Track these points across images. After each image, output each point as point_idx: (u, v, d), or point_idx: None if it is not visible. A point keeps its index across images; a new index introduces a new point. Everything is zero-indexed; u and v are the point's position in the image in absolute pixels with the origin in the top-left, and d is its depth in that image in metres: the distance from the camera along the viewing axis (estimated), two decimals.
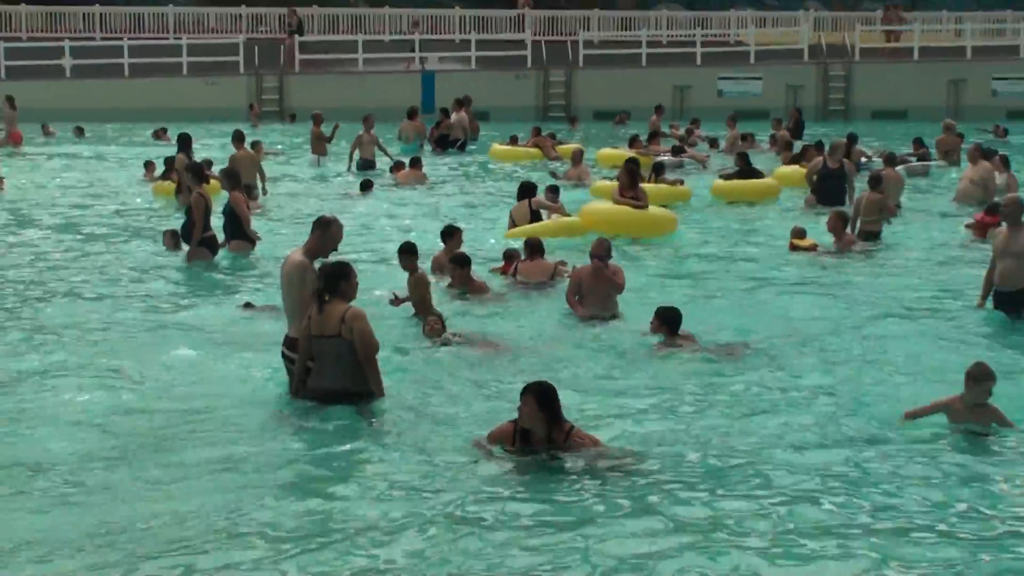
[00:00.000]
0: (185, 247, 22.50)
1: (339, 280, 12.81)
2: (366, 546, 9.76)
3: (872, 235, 24.32)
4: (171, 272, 21.49)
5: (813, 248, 23.14)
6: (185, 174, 23.90)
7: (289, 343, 13.43)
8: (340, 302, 12.80)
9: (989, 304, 18.00)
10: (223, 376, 14.67)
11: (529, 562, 9.44)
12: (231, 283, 20.61)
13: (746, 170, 31.04)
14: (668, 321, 15.87)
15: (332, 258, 13.66)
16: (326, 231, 13.47)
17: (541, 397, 11.45)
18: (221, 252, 22.40)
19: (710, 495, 10.80)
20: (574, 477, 11.16)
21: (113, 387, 14.10)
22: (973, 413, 12.46)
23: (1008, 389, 14.06)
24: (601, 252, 17.59)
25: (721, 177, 31.77)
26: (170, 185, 29.78)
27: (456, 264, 18.98)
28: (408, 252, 17.55)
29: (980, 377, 12.44)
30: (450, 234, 20.50)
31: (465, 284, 18.89)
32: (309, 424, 12.69)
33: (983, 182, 28.81)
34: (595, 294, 17.54)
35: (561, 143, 41.37)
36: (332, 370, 12.86)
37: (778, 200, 30.11)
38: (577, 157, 34.36)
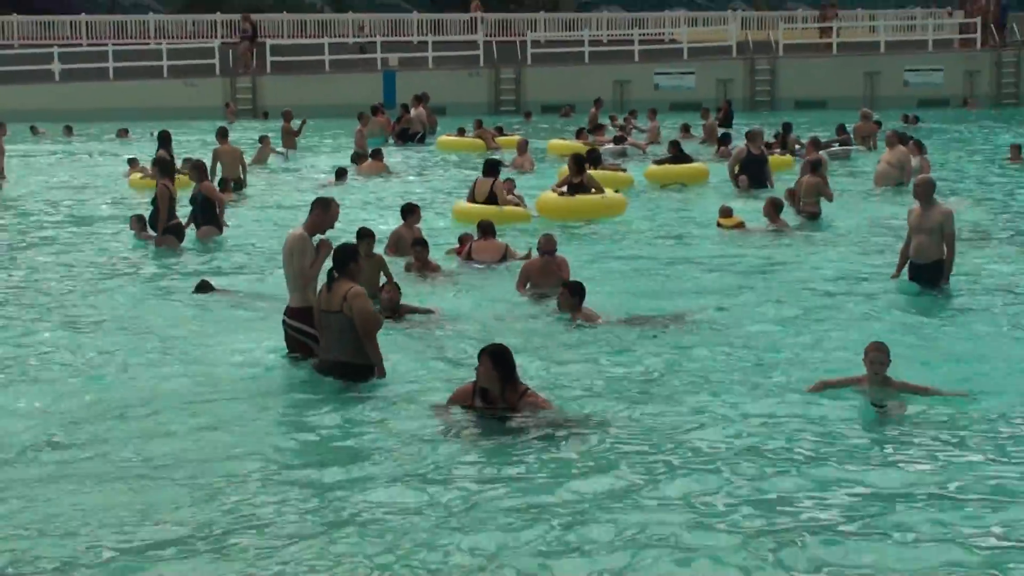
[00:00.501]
0: (152, 233, 22.35)
1: (348, 261, 13.06)
2: (331, 502, 9.67)
3: (812, 216, 24.28)
4: (142, 258, 21.34)
5: (739, 226, 23.05)
6: (152, 168, 23.72)
7: (289, 312, 13.72)
8: (346, 281, 12.96)
9: (905, 276, 17.97)
10: (199, 357, 14.47)
11: (485, 518, 9.34)
12: (199, 267, 20.39)
13: (678, 156, 30.95)
14: (576, 292, 15.67)
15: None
16: (326, 211, 13.74)
17: (495, 357, 11.49)
18: (189, 238, 22.40)
19: (642, 456, 10.70)
20: (527, 437, 11.07)
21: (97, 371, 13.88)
22: (879, 388, 12.11)
23: (922, 353, 14.09)
24: (550, 248, 17.60)
25: (654, 163, 31.66)
26: (146, 180, 29.53)
27: (419, 246, 18.86)
28: (367, 236, 17.30)
29: (874, 356, 12.08)
30: (410, 211, 20.50)
31: (424, 266, 18.73)
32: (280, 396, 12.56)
33: (900, 164, 28.79)
34: (543, 286, 17.42)
35: (503, 135, 41.10)
36: (336, 344, 13.00)
37: (707, 183, 30.08)
38: (522, 147, 34.16)
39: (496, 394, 11.49)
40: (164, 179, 22.20)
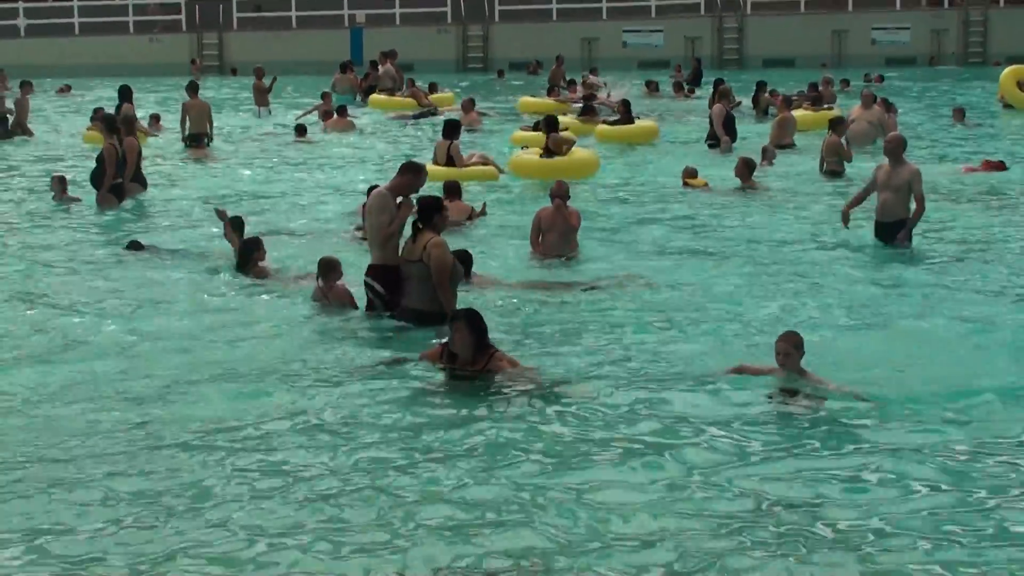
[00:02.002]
0: (74, 196, 21.99)
1: (433, 212, 13.39)
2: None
3: (835, 174, 24.24)
4: (87, 218, 21.06)
5: (704, 186, 23.05)
6: (95, 124, 23.37)
7: (369, 269, 13.94)
8: (429, 232, 13.31)
9: (869, 235, 18.03)
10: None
11: (451, 475, 9.32)
12: (140, 226, 20.21)
13: (627, 117, 30.90)
14: (462, 261, 15.22)
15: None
16: (417, 176, 13.97)
17: (472, 322, 11.47)
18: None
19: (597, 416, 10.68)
20: (495, 396, 11.07)
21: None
22: (792, 380, 11.12)
23: (891, 308, 14.13)
24: (561, 192, 17.23)
25: (604, 123, 31.58)
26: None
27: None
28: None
29: (779, 347, 11.10)
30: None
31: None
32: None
33: (878, 122, 28.84)
34: (554, 231, 17.16)
35: (436, 92, 41.03)
36: (415, 292, 13.37)
37: (657, 142, 30.11)
38: (467, 105, 33.92)
39: (466, 358, 11.48)
40: (111, 137, 21.84)
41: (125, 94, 28.72)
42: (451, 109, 37.08)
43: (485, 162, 24.82)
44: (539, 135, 25.82)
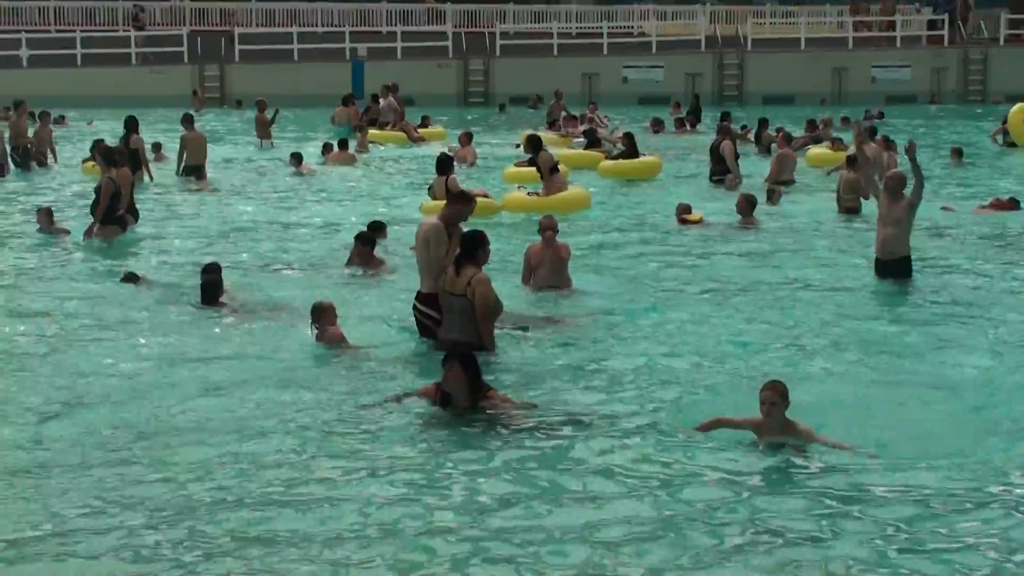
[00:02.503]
0: (63, 227, 21.89)
1: (477, 247, 13.53)
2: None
3: (852, 211, 24.15)
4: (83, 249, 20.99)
5: (699, 222, 22.93)
6: (95, 156, 23.28)
7: (420, 297, 14.17)
8: (472, 266, 13.47)
9: (870, 274, 17.97)
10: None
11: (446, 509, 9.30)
12: (136, 258, 20.23)
13: (631, 151, 30.85)
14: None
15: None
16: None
17: (466, 362, 11.47)
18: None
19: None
20: (488, 434, 11.07)
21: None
22: (778, 431, 10.66)
23: (888, 352, 14.02)
24: (551, 225, 17.20)
25: (607, 158, 31.53)
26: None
27: (359, 241, 18.68)
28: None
29: (764, 396, 10.65)
30: (378, 227, 20.44)
31: (366, 262, 18.55)
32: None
33: (874, 159, 28.82)
34: (544, 265, 17.10)
35: (427, 127, 41.06)
36: (456, 324, 13.54)
37: (659, 178, 30.05)
38: (464, 139, 33.82)
39: (461, 398, 11.45)
40: (108, 170, 21.74)
41: (131, 125, 28.75)
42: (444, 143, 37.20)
43: (484, 196, 24.80)
44: (533, 171, 25.83)
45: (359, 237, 18.83)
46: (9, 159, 30.98)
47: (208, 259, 19.17)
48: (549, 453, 10.66)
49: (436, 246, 13.90)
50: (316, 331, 14.15)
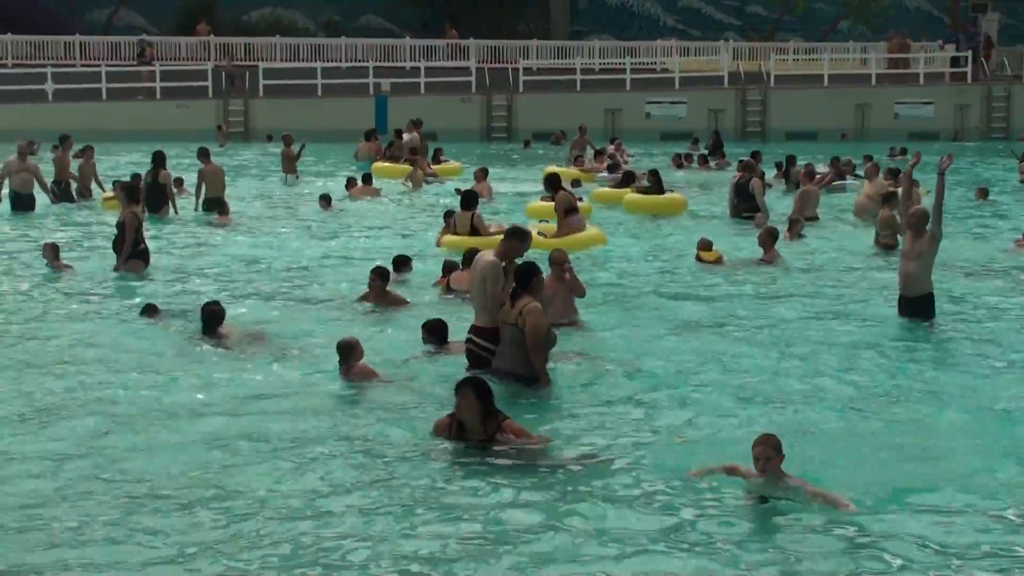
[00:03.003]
0: (66, 264, 21.87)
1: (530, 278, 13.84)
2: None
3: (888, 248, 24.09)
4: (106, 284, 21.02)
5: (718, 261, 22.79)
6: (117, 191, 23.30)
7: (476, 331, 14.42)
8: (527, 296, 13.73)
9: (893, 312, 17.90)
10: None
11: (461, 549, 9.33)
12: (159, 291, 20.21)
13: (656, 187, 30.85)
14: (433, 332, 15.71)
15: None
16: (522, 242, 14.63)
17: (478, 389, 11.51)
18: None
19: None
20: (504, 467, 11.07)
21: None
22: (772, 484, 10.44)
23: (907, 395, 13.88)
24: (562, 258, 17.25)
25: (633, 192, 31.51)
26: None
27: (375, 275, 18.66)
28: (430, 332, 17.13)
29: (757, 452, 10.41)
30: (402, 262, 20.82)
31: (381, 297, 18.55)
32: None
33: (878, 196, 28.84)
34: (556, 298, 17.01)
35: (440, 162, 40.95)
36: (508, 354, 13.80)
37: (685, 213, 30.02)
38: (480, 175, 33.65)
39: (475, 426, 11.44)
40: (131, 205, 21.80)
41: (159, 159, 28.90)
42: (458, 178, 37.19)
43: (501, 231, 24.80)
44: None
45: (374, 271, 18.83)
46: (51, 193, 30.93)
47: (223, 293, 19.38)
48: (563, 489, 10.66)
49: (493, 282, 14.21)
50: (344, 368, 14.13)
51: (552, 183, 25.88)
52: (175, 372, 14.62)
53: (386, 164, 39.51)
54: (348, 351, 14.22)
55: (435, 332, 15.71)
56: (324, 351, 14.99)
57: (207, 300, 16.96)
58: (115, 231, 22.12)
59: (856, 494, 10.34)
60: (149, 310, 17.78)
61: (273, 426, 12.39)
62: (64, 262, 21.97)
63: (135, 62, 58.59)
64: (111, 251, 22.17)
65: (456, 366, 14.50)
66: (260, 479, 10.83)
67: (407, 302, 18.57)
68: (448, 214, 24.97)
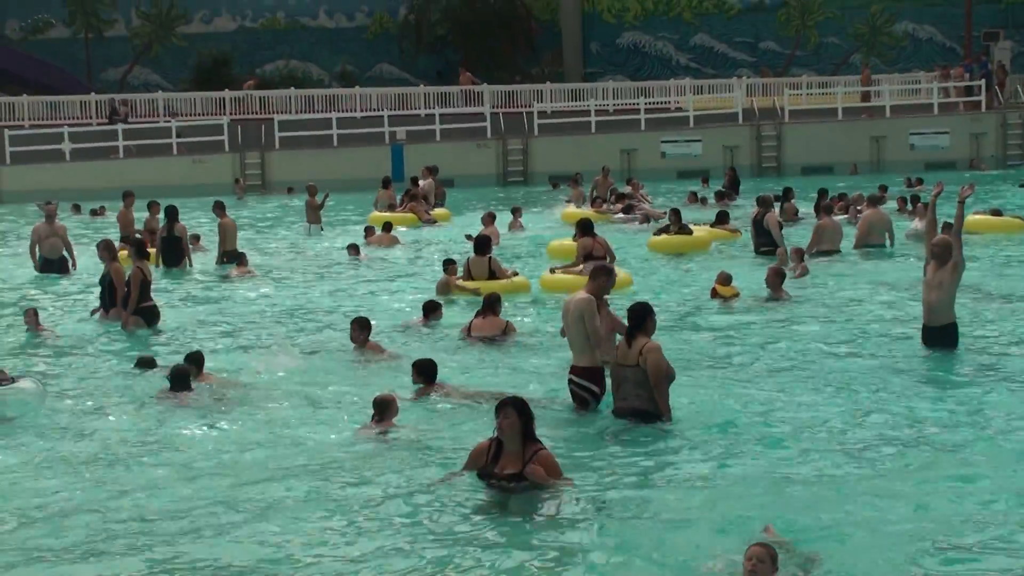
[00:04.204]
0: (46, 328, 21.52)
1: (644, 318, 14.28)
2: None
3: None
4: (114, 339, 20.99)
5: (735, 296, 22.53)
6: (130, 249, 23.20)
7: (577, 371, 14.88)
8: (643, 336, 14.17)
9: (917, 343, 17.80)
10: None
11: None
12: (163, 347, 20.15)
13: (680, 227, 30.78)
14: (423, 371, 15.88)
15: None
16: (609, 278, 15.34)
17: (520, 408, 11.60)
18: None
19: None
20: (534, 516, 11.09)
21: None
22: None
23: (930, 434, 13.69)
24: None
25: (655, 233, 31.44)
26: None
27: (354, 326, 18.49)
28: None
29: (751, 567, 9.51)
30: (432, 308, 20.98)
31: (362, 347, 18.44)
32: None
33: (881, 224, 28.93)
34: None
35: (442, 206, 41.13)
36: (632, 393, 14.17)
37: (708, 252, 29.92)
38: (487, 220, 33.41)
39: (514, 449, 11.49)
40: (139, 261, 21.75)
41: (173, 214, 28.98)
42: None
43: (516, 275, 24.77)
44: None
45: (354, 322, 18.72)
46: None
47: (231, 343, 19.38)
48: (591, 539, 10.67)
49: (591, 319, 14.58)
50: (376, 422, 14.16)
51: (583, 228, 25.36)
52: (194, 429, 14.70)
53: (383, 213, 39.21)
54: (386, 408, 14.28)
55: (424, 372, 15.92)
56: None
57: (191, 352, 17.12)
58: (100, 286, 22.22)
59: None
60: (145, 363, 17.68)
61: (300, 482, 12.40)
62: (45, 326, 21.55)
63: (106, 121, 58.54)
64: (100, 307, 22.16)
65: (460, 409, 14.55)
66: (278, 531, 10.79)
67: (385, 353, 18.39)
68: (448, 263, 24.75)
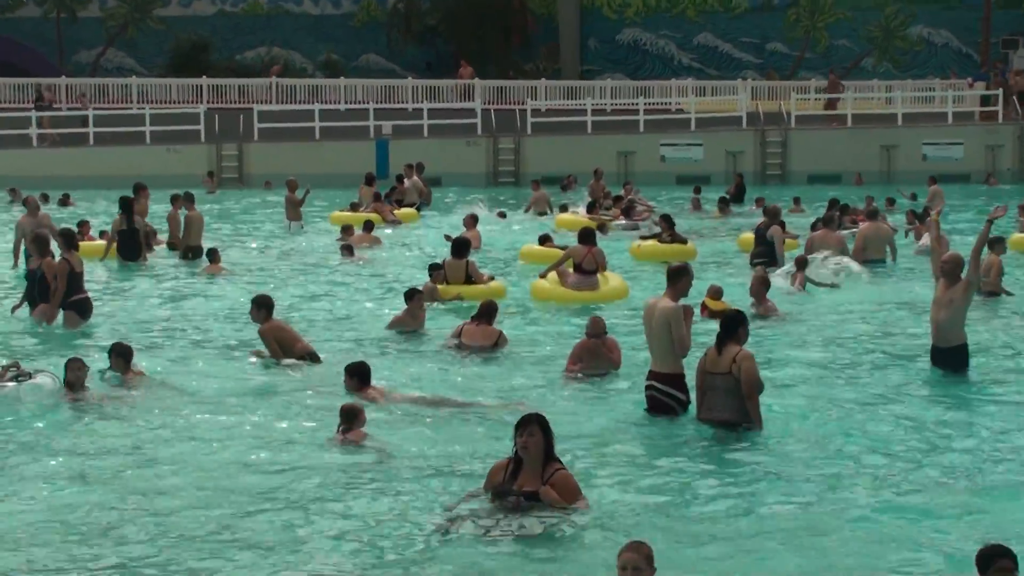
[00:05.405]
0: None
1: (737, 327, 14.51)
2: None
3: (994, 295, 23.79)
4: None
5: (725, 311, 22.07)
6: (57, 238, 23.00)
7: (659, 377, 15.09)
8: (734, 345, 14.36)
9: (926, 363, 17.73)
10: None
11: None
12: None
13: (672, 234, 30.56)
14: (356, 374, 16.01)
15: None
16: (690, 278, 15.36)
17: (543, 425, 11.49)
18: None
19: None
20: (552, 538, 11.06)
21: None
22: None
23: (938, 463, 13.61)
24: (597, 331, 17.58)
25: (640, 239, 31.24)
26: (98, 245, 29.65)
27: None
28: (259, 306, 18.20)
29: (627, 562, 9.16)
30: (410, 296, 20.95)
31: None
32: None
33: (879, 239, 28.91)
34: (594, 367, 17.50)
35: (401, 207, 41.09)
36: (720, 403, 14.39)
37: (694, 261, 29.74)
38: (470, 222, 33.16)
39: (536, 467, 11.41)
40: (68, 252, 21.51)
41: (128, 207, 28.82)
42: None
43: (492, 279, 24.70)
44: (552, 251, 25.72)
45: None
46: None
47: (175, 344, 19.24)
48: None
49: (678, 325, 14.77)
50: (342, 430, 14.05)
51: (586, 236, 25.04)
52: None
53: (346, 213, 38.94)
54: (353, 417, 14.18)
55: (357, 374, 16.03)
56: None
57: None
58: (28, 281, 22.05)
59: None
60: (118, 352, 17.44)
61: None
62: None
63: (31, 107, 58.26)
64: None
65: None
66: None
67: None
68: (434, 267, 24.57)
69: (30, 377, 15.72)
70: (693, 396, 14.96)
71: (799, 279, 25.01)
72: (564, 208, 41.61)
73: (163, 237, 31.97)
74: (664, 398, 15.08)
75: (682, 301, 15.16)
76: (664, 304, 14.99)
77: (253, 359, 18.35)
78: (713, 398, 14.50)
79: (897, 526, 11.50)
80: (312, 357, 18.16)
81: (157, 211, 33.44)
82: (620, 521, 11.51)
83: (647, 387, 15.26)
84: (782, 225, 29.54)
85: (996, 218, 17.61)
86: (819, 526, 11.42)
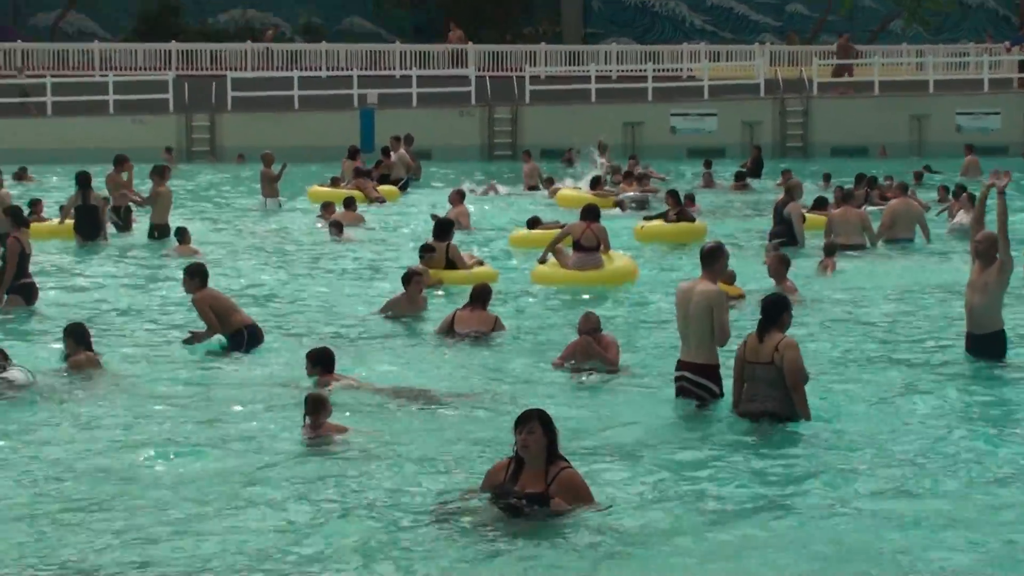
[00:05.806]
0: None
1: (781, 312, 14.41)
2: None
3: None
4: None
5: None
6: (4, 217, 22.92)
7: (692, 367, 15.02)
8: (777, 332, 14.30)
9: (960, 350, 17.63)
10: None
11: None
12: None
13: (681, 212, 30.39)
14: (319, 361, 15.99)
15: None
16: (726, 258, 15.42)
17: (546, 421, 11.35)
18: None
19: None
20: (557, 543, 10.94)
21: None
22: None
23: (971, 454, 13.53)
24: (588, 328, 17.37)
25: (644, 219, 31.07)
26: (51, 225, 29.78)
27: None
28: (192, 274, 18.24)
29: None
30: (408, 279, 20.93)
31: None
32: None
33: (909, 216, 28.90)
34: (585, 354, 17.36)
35: (384, 183, 40.89)
36: (763, 394, 14.32)
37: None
38: (456, 198, 33.01)
39: (538, 467, 11.27)
40: (16, 230, 21.45)
41: (85, 181, 28.68)
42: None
43: (480, 263, 24.52)
44: (542, 234, 25.69)
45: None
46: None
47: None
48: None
49: (720, 311, 14.77)
50: (309, 423, 13.96)
51: (590, 213, 24.85)
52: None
53: (325, 189, 38.84)
54: (319, 406, 14.01)
55: (320, 361, 15.99)
56: None
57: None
58: None
59: None
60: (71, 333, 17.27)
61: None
62: None
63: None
64: None
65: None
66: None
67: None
68: (425, 249, 24.29)
69: (3, 371, 15.77)
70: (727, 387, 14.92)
71: (830, 266, 24.83)
72: (550, 181, 41.59)
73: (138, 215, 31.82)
74: (696, 389, 15.02)
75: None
76: (704, 287, 14.88)
77: (189, 336, 18.48)
78: (754, 389, 14.41)
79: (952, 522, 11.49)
80: (251, 330, 18.14)
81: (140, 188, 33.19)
82: (635, 519, 11.49)
83: (677, 378, 15.19)
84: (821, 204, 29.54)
85: (1004, 187, 17.19)
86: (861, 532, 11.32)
